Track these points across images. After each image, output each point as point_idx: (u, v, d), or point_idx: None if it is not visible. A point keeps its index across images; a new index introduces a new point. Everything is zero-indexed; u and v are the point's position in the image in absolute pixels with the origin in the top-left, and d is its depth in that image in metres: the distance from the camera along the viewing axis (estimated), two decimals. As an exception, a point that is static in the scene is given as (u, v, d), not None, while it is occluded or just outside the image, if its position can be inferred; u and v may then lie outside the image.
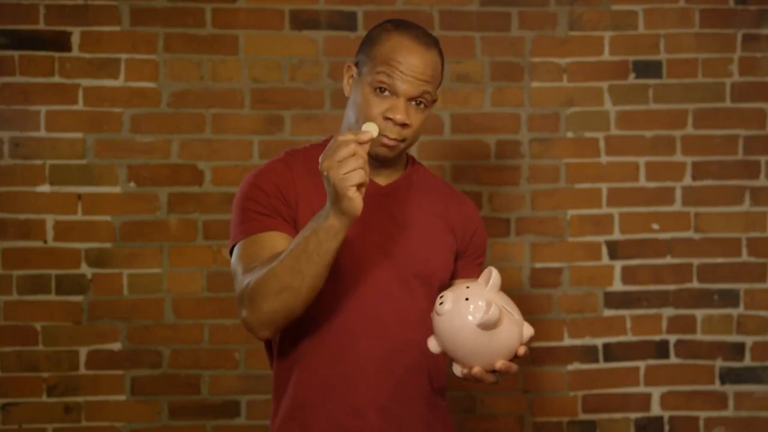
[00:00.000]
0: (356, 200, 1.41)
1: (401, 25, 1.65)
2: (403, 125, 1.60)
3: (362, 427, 1.62)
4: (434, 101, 1.66)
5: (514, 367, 1.48)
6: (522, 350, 1.48)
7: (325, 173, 1.42)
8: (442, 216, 1.75)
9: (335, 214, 1.44)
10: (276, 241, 1.58)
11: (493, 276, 1.46)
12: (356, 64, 1.67)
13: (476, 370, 1.46)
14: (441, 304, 1.45)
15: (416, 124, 1.62)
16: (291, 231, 1.61)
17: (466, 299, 1.44)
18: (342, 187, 1.40)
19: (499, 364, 1.46)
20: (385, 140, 1.61)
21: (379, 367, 1.63)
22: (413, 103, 1.61)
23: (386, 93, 1.60)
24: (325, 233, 1.45)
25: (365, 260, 1.63)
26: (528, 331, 1.49)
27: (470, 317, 1.42)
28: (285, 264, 1.48)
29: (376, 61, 1.61)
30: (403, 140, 1.63)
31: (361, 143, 1.42)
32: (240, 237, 1.62)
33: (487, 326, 1.41)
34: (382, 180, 1.71)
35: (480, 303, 1.42)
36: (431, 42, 1.65)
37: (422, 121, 1.64)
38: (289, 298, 1.50)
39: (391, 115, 1.59)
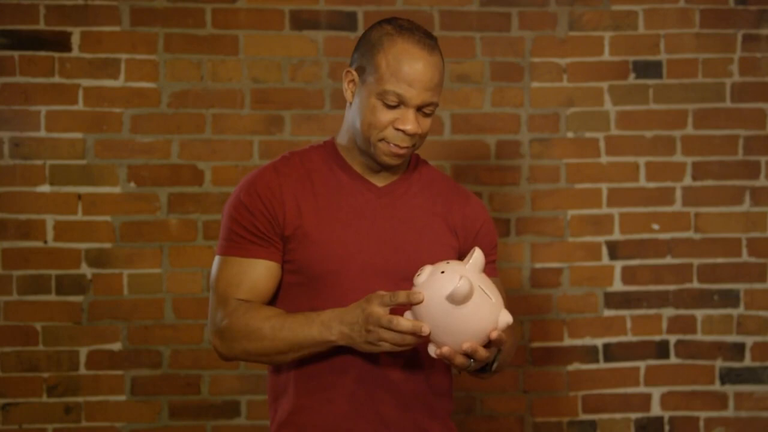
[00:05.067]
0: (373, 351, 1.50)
1: (403, 28, 1.62)
2: (413, 135, 1.60)
3: (360, 430, 1.62)
4: (437, 105, 1.65)
5: (482, 351, 1.45)
6: (495, 334, 1.45)
7: (369, 328, 1.46)
8: (443, 216, 1.73)
9: (345, 342, 1.51)
10: (255, 271, 1.62)
11: (474, 254, 1.46)
12: (357, 69, 1.63)
13: (445, 349, 1.45)
14: (418, 275, 1.46)
15: (425, 129, 1.62)
16: (272, 254, 1.63)
17: (442, 272, 1.44)
18: (369, 349, 1.49)
19: (467, 344, 1.44)
20: (395, 149, 1.61)
21: (377, 372, 1.62)
22: (421, 110, 1.61)
23: (394, 105, 1.59)
24: (325, 346, 1.54)
25: (363, 263, 1.62)
26: (505, 317, 1.46)
27: (441, 289, 1.41)
28: (273, 342, 1.57)
29: (382, 72, 1.58)
30: (412, 146, 1.63)
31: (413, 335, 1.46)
32: (221, 252, 1.66)
33: (456, 299, 1.40)
34: (380, 181, 1.70)
35: (453, 276, 1.41)
36: (434, 45, 1.62)
37: (429, 125, 1.64)
38: (264, 359, 1.62)
39: (401, 127, 1.59)
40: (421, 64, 1.58)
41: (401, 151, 1.61)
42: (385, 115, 1.58)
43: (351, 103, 1.65)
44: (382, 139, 1.60)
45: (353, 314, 1.49)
